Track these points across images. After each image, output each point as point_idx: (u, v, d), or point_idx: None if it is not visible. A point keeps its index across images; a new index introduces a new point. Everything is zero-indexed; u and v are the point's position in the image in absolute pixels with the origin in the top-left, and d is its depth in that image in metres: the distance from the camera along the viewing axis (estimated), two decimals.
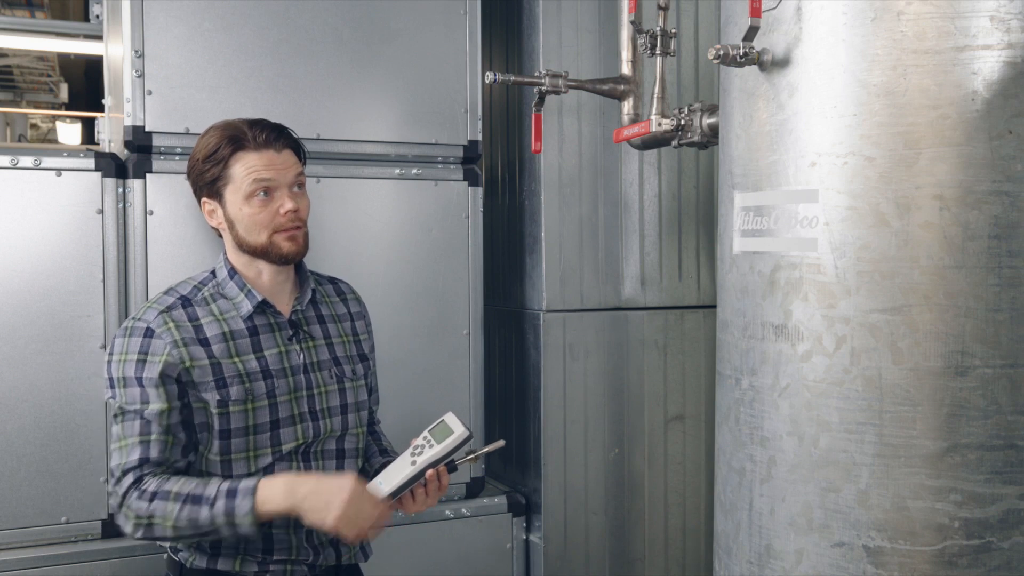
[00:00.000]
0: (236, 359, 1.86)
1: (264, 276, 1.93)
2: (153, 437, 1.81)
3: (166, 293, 1.92)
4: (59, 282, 2.37)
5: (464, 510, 2.78)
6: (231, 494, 1.77)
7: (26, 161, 2.34)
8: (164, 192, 2.43)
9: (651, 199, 2.97)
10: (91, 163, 2.40)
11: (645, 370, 2.96)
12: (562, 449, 2.87)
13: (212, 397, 1.83)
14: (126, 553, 2.39)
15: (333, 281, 2.13)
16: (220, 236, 1.97)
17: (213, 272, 1.96)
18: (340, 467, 1.97)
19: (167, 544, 1.94)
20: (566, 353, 2.87)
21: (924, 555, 1.56)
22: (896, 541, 1.57)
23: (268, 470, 1.88)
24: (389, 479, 1.86)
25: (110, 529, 2.41)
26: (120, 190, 2.42)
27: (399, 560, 2.64)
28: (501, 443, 1.96)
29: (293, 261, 1.92)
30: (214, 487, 1.78)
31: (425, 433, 1.89)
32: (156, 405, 1.81)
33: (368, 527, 1.80)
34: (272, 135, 1.87)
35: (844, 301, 1.59)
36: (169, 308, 1.87)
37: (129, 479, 1.79)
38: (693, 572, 3.04)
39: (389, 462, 1.98)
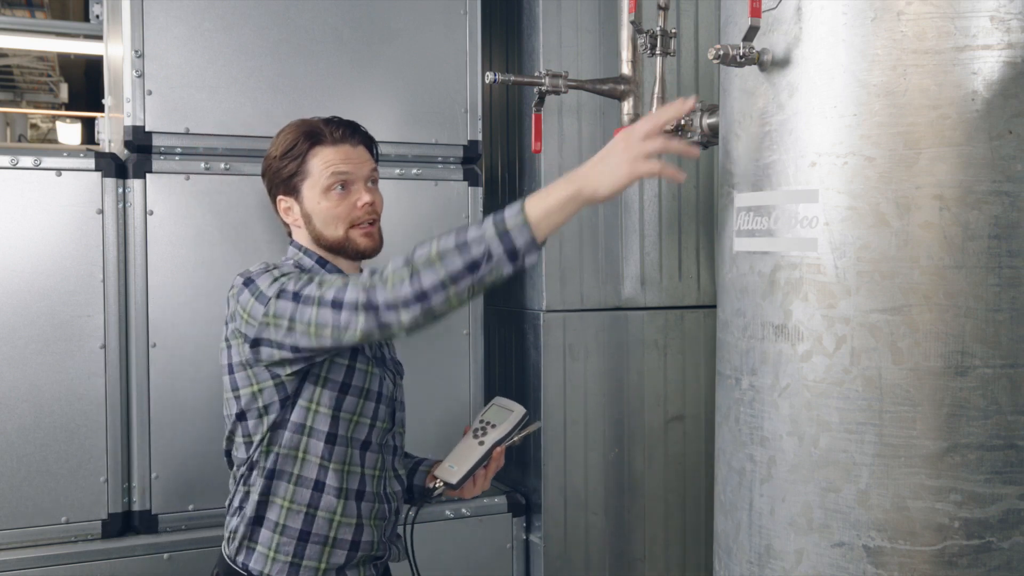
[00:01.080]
0: None
1: (342, 268, 1.95)
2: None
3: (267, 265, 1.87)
4: (59, 282, 2.37)
5: (464, 510, 2.78)
6: (496, 213, 1.61)
7: (26, 161, 2.35)
8: (164, 192, 2.43)
9: (651, 199, 2.97)
10: (91, 163, 2.40)
11: (645, 370, 2.96)
12: (562, 449, 2.87)
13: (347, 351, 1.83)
14: (126, 553, 2.39)
15: None
16: (289, 234, 1.97)
17: (296, 264, 1.91)
18: (395, 464, 1.98)
19: (228, 548, 1.89)
20: (566, 353, 2.87)
21: (924, 555, 1.56)
22: (896, 541, 1.57)
23: (365, 446, 1.88)
24: (459, 462, 1.92)
25: (110, 529, 2.42)
26: (120, 190, 2.42)
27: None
28: (539, 424, 2.08)
29: (370, 256, 1.94)
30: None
31: (480, 417, 1.96)
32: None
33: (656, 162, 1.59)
34: (348, 130, 1.91)
35: (844, 301, 1.59)
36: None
37: (365, 273, 1.68)
38: (693, 572, 3.04)
39: (431, 460, 2.04)
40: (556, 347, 2.86)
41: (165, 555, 2.43)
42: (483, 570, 2.81)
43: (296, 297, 1.70)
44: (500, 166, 3.12)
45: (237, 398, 1.84)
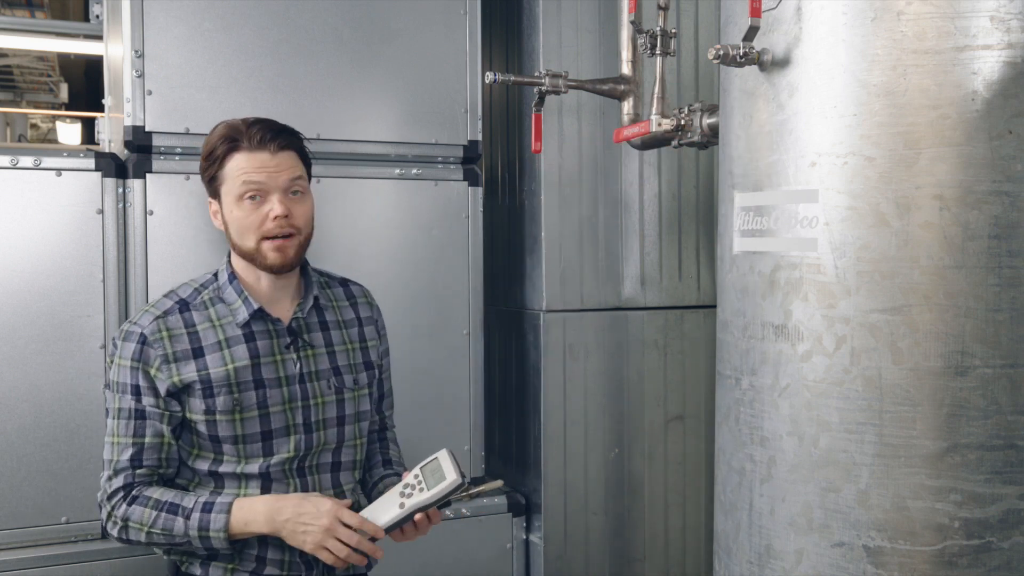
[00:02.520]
0: (229, 366, 1.83)
1: (263, 281, 1.89)
2: (147, 440, 1.82)
3: (166, 296, 1.89)
4: (59, 282, 2.37)
5: (464, 510, 2.78)
6: (207, 507, 1.78)
7: (26, 161, 2.35)
8: (164, 192, 2.43)
9: (651, 199, 2.97)
10: (91, 163, 2.40)
11: (645, 370, 2.96)
12: (562, 449, 2.87)
13: (198, 405, 1.81)
14: (126, 553, 2.39)
15: (345, 283, 2.07)
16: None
17: (215, 274, 1.92)
18: (336, 481, 1.94)
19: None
20: (566, 353, 2.87)
21: (924, 555, 1.56)
22: (896, 541, 1.57)
23: (264, 479, 1.85)
24: (376, 516, 1.82)
25: None
26: (120, 190, 2.42)
27: (399, 560, 2.63)
28: (499, 483, 1.93)
29: (279, 272, 1.86)
30: (192, 499, 1.79)
31: (416, 471, 1.84)
32: (152, 410, 1.81)
33: (348, 555, 1.77)
34: (268, 135, 1.80)
35: (844, 301, 1.59)
36: (166, 313, 1.84)
37: (119, 481, 1.81)
38: (693, 572, 3.04)
39: (380, 493, 1.97)
40: (556, 347, 2.86)
41: (165, 555, 2.43)
42: (483, 570, 2.81)
43: (106, 413, 1.88)
44: (500, 166, 3.12)
45: None
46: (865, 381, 1.58)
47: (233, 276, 1.89)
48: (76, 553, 2.37)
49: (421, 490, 1.81)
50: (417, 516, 1.81)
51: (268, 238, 1.81)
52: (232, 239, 1.86)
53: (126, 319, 2.42)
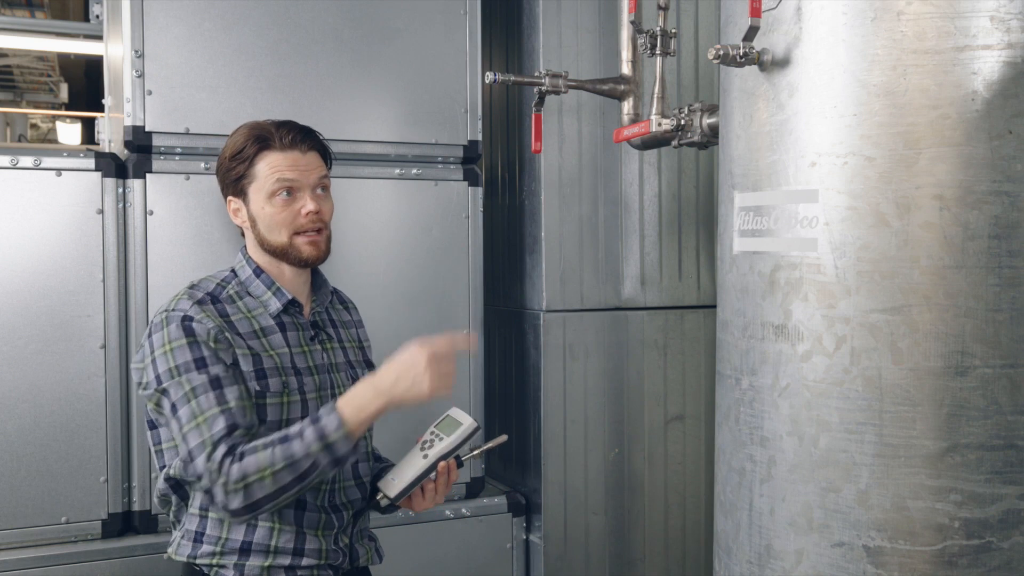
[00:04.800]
0: (272, 352, 1.86)
1: (286, 275, 1.94)
2: (232, 404, 1.76)
3: (192, 288, 1.89)
4: (59, 282, 2.37)
5: (464, 510, 2.78)
6: (315, 420, 1.74)
7: (26, 161, 2.35)
8: (164, 192, 2.43)
9: (651, 199, 2.97)
10: (91, 163, 2.40)
11: (645, 370, 2.96)
12: (562, 449, 2.87)
13: (251, 387, 1.81)
14: (126, 553, 2.39)
15: (335, 291, 2.14)
16: (243, 235, 1.97)
17: (233, 271, 1.94)
18: (355, 473, 1.96)
19: (180, 552, 1.89)
20: (566, 353, 2.87)
21: (924, 555, 1.56)
22: (896, 541, 1.57)
23: None
24: (400, 475, 1.87)
25: (110, 529, 2.41)
26: (120, 190, 2.42)
27: (400, 560, 2.63)
28: (504, 438, 1.98)
29: (313, 265, 1.93)
30: (296, 426, 1.75)
31: (432, 428, 1.90)
32: (225, 376, 1.78)
33: (452, 378, 1.80)
34: (298, 136, 1.89)
35: (844, 301, 1.59)
36: (199, 301, 1.85)
37: (222, 449, 1.72)
38: (693, 572, 3.04)
39: (389, 466, 1.98)
40: (556, 347, 2.86)
41: (165, 555, 2.42)
42: (483, 570, 2.81)
43: (173, 409, 1.78)
44: (500, 166, 3.12)
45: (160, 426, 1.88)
46: (865, 381, 1.58)
47: (260, 270, 1.92)
48: (76, 553, 2.37)
49: (440, 439, 1.87)
50: (440, 465, 1.86)
51: (300, 233, 1.88)
52: (261, 234, 1.89)
53: (126, 319, 2.43)
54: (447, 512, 2.75)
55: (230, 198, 1.93)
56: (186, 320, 1.80)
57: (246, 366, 1.81)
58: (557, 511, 2.87)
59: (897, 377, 1.56)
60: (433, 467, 1.86)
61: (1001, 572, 1.56)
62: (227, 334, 1.81)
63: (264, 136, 1.88)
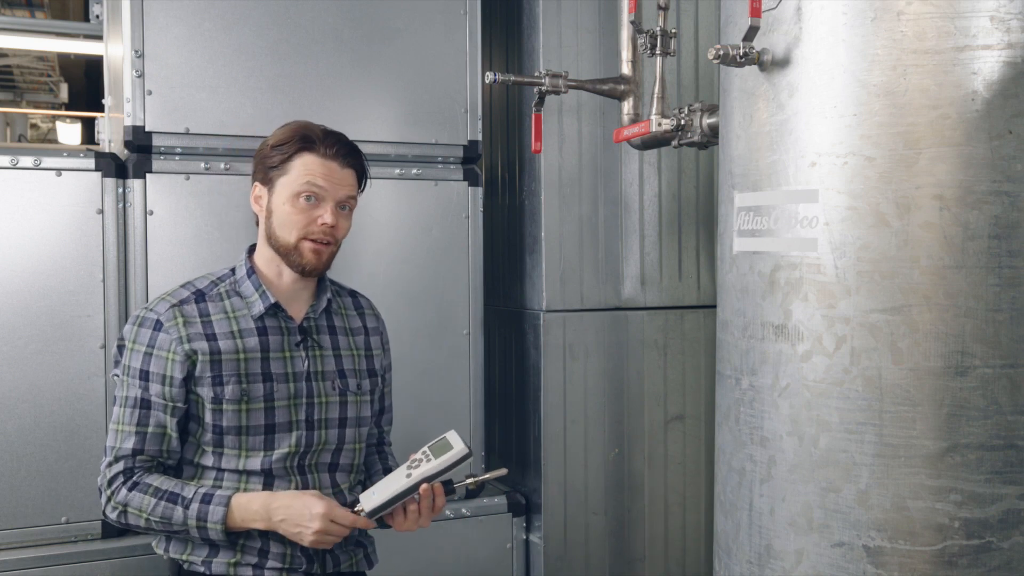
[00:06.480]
0: (240, 356, 1.88)
1: (284, 278, 1.94)
2: (150, 430, 1.86)
3: (183, 286, 1.95)
4: (59, 282, 2.37)
5: (464, 510, 2.78)
6: (206, 499, 1.82)
7: (26, 161, 2.35)
8: (164, 192, 2.43)
9: (651, 199, 2.97)
10: (91, 163, 2.40)
11: (645, 370, 2.96)
12: (562, 449, 2.87)
13: (207, 393, 1.85)
14: (126, 553, 2.39)
15: (354, 294, 2.13)
16: (256, 224, 1.98)
17: (233, 269, 1.98)
18: (333, 481, 1.96)
19: (160, 547, 1.95)
20: (566, 353, 2.87)
21: (924, 555, 1.56)
22: (896, 541, 1.57)
23: (267, 475, 1.88)
24: (381, 491, 1.84)
25: (110, 529, 2.41)
26: (120, 190, 2.42)
27: (399, 560, 2.64)
28: (503, 471, 1.93)
29: (310, 274, 1.93)
30: (192, 489, 1.83)
31: (425, 448, 1.87)
32: (157, 400, 1.85)
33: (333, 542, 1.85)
34: (343, 150, 1.91)
35: (844, 301, 1.59)
36: (181, 302, 1.90)
37: (120, 467, 1.85)
38: (693, 572, 3.04)
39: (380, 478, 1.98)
40: (556, 347, 2.86)
41: (164, 555, 2.43)
42: (483, 570, 2.81)
43: (114, 399, 1.92)
44: (500, 166, 3.12)
45: None
46: (865, 381, 1.58)
47: (252, 271, 1.95)
48: (76, 553, 2.37)
49: (428, 460, 1.83)
50: (422, 488, 1.83)
51: (309, 239, 1.89)
52: (272, 228, 1.91)
53: (126, 319, 2.42)
54: (447, 512, 2.75)
55: (256, 183, 1.94)
56: (156, 327, 1.87)
57: (203, 371, 1.85)
58: (557, 511, 2.87)
59: (897, 377, 1.56)
60: (414, 488, 1.82)
61: (1001, 572, 1.56)
62: (189, 345, 1.85)
63: (310, 137, 1.89)
